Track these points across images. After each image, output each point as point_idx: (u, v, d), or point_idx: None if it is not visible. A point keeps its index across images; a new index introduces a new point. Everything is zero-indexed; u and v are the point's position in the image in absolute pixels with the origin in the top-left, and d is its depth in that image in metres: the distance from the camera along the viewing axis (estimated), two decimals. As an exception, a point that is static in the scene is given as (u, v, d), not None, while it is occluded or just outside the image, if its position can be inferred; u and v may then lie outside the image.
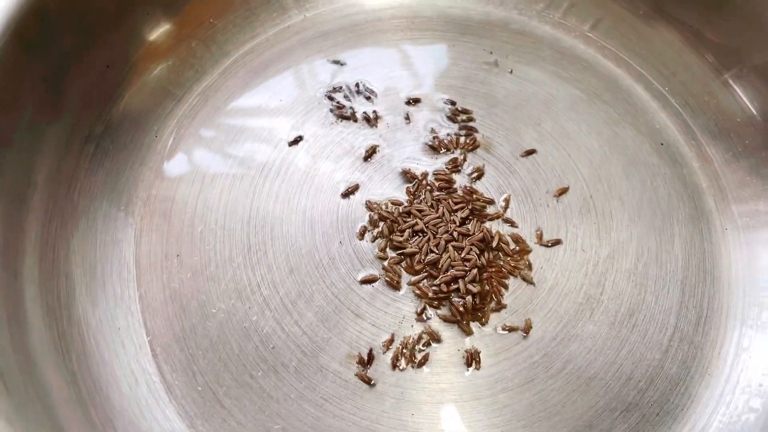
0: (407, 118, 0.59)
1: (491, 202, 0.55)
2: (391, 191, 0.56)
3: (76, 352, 0.47)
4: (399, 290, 0.52)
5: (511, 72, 0.61)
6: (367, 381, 0.49)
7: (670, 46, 0.61)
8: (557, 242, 0.53)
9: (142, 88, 0.57)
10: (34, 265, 0.47)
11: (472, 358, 0.49)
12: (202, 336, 0.50)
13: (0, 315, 0.41)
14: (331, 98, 0.59)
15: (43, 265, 0.48)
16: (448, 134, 0.58)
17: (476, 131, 0.58)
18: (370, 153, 0.56)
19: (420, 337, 0.50)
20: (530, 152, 0.57)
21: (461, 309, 0.51)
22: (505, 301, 0.51)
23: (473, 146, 0.57)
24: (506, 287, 0.52)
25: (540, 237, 0.53)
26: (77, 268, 0.50)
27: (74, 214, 0.51)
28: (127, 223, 0.53)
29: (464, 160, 0.57)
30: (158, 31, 0.58)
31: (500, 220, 0.54)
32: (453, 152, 0.57)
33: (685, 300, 0.52)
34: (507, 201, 0.55)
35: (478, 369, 0.49)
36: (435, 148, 0.57)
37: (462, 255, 0.52)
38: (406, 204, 0.55)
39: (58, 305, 0.48)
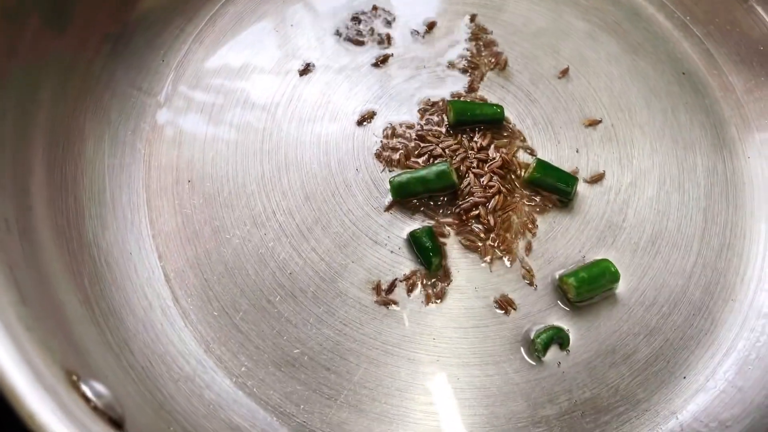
0: (423, 37, 0.57)
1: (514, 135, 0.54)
2: (408, 118, 0.54)
3: (88, 274, 0.45)
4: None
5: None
6: (391, 303, 0.48)
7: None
8: (600, 177, 0.52)
9: (153, 6, 0.54)
10: (42, 184, 0.45)
11: (507, 304, 0.48)
12: (217, 261, 0.48)
13: (12, 229, 0.39)
14: (346, 26, 0.57)
15: (51, 185, 0.46)
16: (467, 51, 0.56)
17: (500, 50, 0.57)
18: (367, 117, 0.54)
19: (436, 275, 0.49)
20: (565, 72, 0.56)
21: (482, 235, 0.50)
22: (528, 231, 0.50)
23: (499, 65, 0.56)
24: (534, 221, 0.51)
25: (575, 173, 0.52)
26: (86, 191, 0.48)
27: (81, 135, 0.49)
28: (135, 148, 0.52)
29: (480, 80, 0.55)
30: None
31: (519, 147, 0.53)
32: (473, 73, 0.56)
33: (707, 227, 0.52)
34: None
35: (509, 314, 0.48)
36: (454, 66, 0.56)
37: (484, 182, 0.51)
38: (418, 128, 0.53)
39: (67, 226, 0.46)
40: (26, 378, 0.30)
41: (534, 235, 0.50)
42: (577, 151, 0.54)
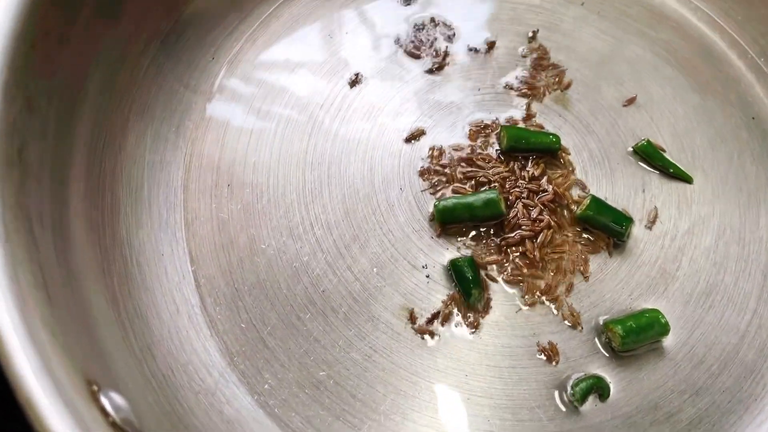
0: (483, 55, 0.55)
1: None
2: (459, 139, 0.52)
3: (118, 273, 0.44)
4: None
5: (595, 26, 0.57)
6: (429, 333, 0.45)
7: (771, 12, 0.56)
8: (655, 219, 0.50)
9: (207, 4, 0.53)
10: (81, 177, 0.44)
11: (552, 353, 0.46)
12: (250, 271, 0.47)
13: (45, 222, 0.38)
14: (407, 35, 0.55)
15: (89, 178, 0.45)
16: (527, 73, 0.54)
17: (563, 71, 0.54)
18: (416, 135, 0.52)
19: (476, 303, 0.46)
20: (631, 101, 0.53)
21: (525, 270, 0.47)
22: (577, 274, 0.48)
23: (563, 85, 0.54)
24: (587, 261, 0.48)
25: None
26: (123, 187, 0.47)
27: (124, 129, 0.48)
28: (177, 146, 0.50)
29: (542, 98, 0.53)
30: None
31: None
32: (531, 98, 0.53)
33: (767, 284, 0.48)
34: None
35: (557, 363, 0.45)
36: (512, 89, 0.53)
37: (533, 215, 0.49)
38: (467, 151, 0.51)
39: (101, 222, 0.45)
40: (46, 389, 0.29)
41: (587, 278, 0.48)
42: (633, 191, 0.51)
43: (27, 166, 0.37)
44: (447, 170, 0.51)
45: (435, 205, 0.48)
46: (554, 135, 0.51)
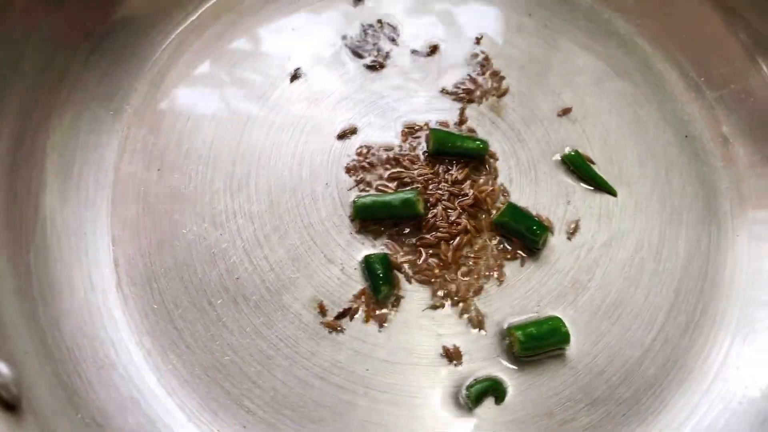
0: (424, 58, 0.56)
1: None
2: (390, 139, 0.53)
3: (36, 246, 0.46)
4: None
5: (540, 36, 0.57)
6: (337, 328, 0.46)
7: (714, 34, 0.56)
8: (574, 231, 0.50)
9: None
10: (7, 150, 0.45)
11: (454, 356, 0.46)
12: (168, 254, 0.48)
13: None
14: (344, 36, 0.56)
15: (17, 152, 0.46)
16: (466, 77, 0.55)
17: (502, 78, 0.55)
18: (349, 132, 0.53)
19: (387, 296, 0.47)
20: (566, 111, 0.54)
21: (436, 270, 0.48)
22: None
23: (499, 92, 0.54)
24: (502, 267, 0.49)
25: (549, 227, 0.50)
26: (53, 164, 0.49)
27: (60, 108, 0.50)
28: (113, 129, 0.52)
29: (480, 101, 0.54)
30: None
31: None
32: (466, 103, 0.54)
33: (677, 301, 0.49)
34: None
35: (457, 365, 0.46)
36: (448, 93, 0.54)
37: (452, 218, 0.49)
38: (396, 151, 0.52)
39: (26, 196, 0.46)
40: None
41: (501, 282, 0.48)
42: (556, 201, 0.51)
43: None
44: (373, 169, 0.51)
45: (354, 201, 0.49)
46: (482, 140, 0.52)
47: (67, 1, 0.49)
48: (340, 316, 0.47)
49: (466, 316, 0.47)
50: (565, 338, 0.46)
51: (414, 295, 0.48)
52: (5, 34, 0.45)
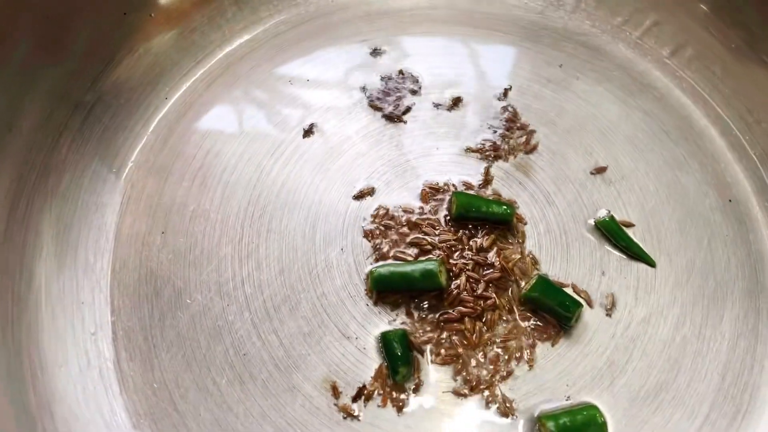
0: (447, 111, 0.52)
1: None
2: (410, 200, 0.49)
3: (28, 321, 0.42)
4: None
5: (571, 89, 0.54)
6: (352, 415, 0.43)
7: (760, 89, 0.52)
8: (611, 306, 0.46)
9: (161, 43, 0.52)
10: (2, 217, 0.42)
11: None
12: (171, 327, 0.45)
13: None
14: (364, 88, 0.53)
15: (12, 216, 0.43)
16: (492, 133, 0.51)
17: (532, 132, 0.51)
18: (366, 193, 0.49)
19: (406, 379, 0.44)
20: (601, 170, 0.50)
21: (460, 350, 0.44)
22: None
23: (528, 147, 0.51)
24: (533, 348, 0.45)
25: (588, 300, 0.46)
26: (50, 228, 0.46)
27: (59, 167, 0.47)
28: (115, 188, 0.49)
29: (506, 158, 0.50)
30: None
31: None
32: (491, 162, 0.50)
33: (724, 387, 0.44)
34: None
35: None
36: (472, 151, 0.51)
37: (478, 291, 0.46)
38: (417, 214, 0.48)
39: (19, 265, 0.43)
40: None
41: (531, 366, 0.44)
42: (589, 271, 0.47)
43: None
44: (392, 234, 0.48)
45: (371, 271, 0.46)
46: (508, 205, 0.48)
47: (68, 56, 0.46)
48: (355, 398, 0.43)
49: (493, 406, 0.43)
50: (601, 430, 0.42)
51: (435, 375, 0.44)
52: (1, 89, 0.42)
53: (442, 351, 0.45)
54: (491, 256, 0.47)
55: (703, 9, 0.54)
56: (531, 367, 0.44)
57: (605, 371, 0.45)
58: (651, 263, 0.48)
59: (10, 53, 0.42)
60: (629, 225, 0.49)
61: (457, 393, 0.43)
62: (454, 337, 0.45)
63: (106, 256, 0.47)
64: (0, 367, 0.39)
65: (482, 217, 0.48)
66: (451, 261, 0.47)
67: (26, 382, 0.41)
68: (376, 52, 0.55)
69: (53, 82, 0.46)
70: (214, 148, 0.51)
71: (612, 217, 0.48)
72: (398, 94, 0.53)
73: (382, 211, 0.49)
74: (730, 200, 0.50)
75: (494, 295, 0.46)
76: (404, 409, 0.43)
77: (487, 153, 0.51)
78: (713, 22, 0.54)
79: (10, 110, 0.43)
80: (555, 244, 0.48)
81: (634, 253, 0.48)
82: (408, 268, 0.45)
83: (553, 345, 0.45)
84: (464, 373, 0.44)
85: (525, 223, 0.49)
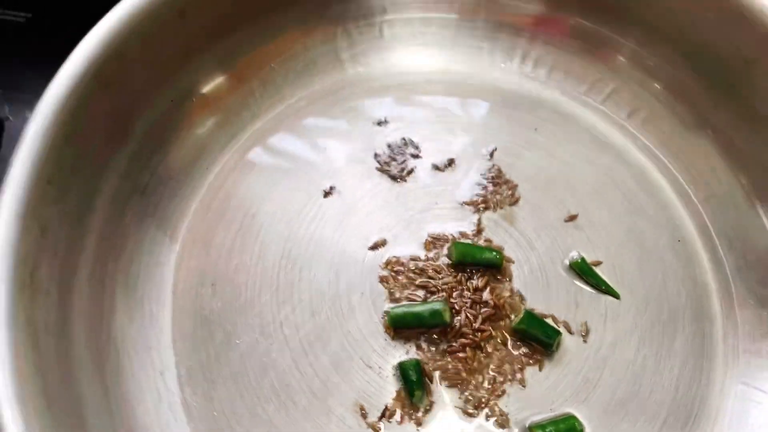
0: (443, 171, 0.62)
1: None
2: (416, 249, 0.59)
3: (111, 366, 0.51)
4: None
5: (545, 149, 0.64)
6: (378, 430, 0.52)
7: (701, 149, 0.63)
8: (586, 333, 0.56)
9: (201, 123, 0.61)
10: (85, 283, 0.51)
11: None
12: (224, 364, 0.54)
13: (50, 330, 0.45)
14: (376, 154, 0.63)
15: (92, 283, 0.52)
16: (482, 188, 0.61)
17: (515, 186, 0.62)
18: (379, 244, 0.59)
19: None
20: (572, 218, 0.61)
21: (463, 374, 0.54)
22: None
23: (513, 199, 0.61)
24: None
25: (567, 328, 0.56)
26: (120, 288, 0.55)
27: (124, 235, 0.56)
28: (171, 249, 0.58)
29: (495, 209, 0.61)
30: (221, 75, 0.63)
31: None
32: (482, 213, 0.60)
33: (678, 396, 0.55)
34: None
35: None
36: (468, 204, 0.61)
37: (476, 325, 0.56)
38: (422, 261, 0.58)
39: (99, 320, 0.52)
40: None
41: (523, 386, 0.54)
42: (566, 304, 0.58)
43: (38, 284, 0.45)
44: (402, 279, 0.58)
45: (388, 313, 0.56)
46: (498, 252, 0.58)
47: (129, 141, 0.56)
48: (381, 417, 0.53)
49: (492, 419, 0.53)
50: (580, 435, 0.52)
51: (444, 396, 0.54)
52: (82, 176, 0.52)
53: (449, 376, 0.55)
54: (486, 294, 0.57)
55: (657, 87, 0.65)
56: (523, 386, 0.54)
57: (582, 387, 0.55)
58: (616, 296, 0.58)
59: (88, 147, 0.51)
60: (597, 263, 0.59)
61: (463, 410, 0.53)
62: (459, 364, 0.55)
63: (167, 306, 0.56)
64: (94, 405, 0.48)
65: (476, 262, 0.58)
66: (451, 300, 0.57)
67: (114, 416, 0.50)
68: (381, 123, 0.65)
69: (118, 165, 0.55)
70: (251, 210, 0.60)
71: (583, 258, 0.59)
72: (402, 158, 0.63)
73: (393, 259, 0.59)
74: (679, 240, 0.61)
75: (490, 328, 0.56)
76: (421, 425, 0.53)
77: (479, 206, 0.61)
78: (665, 96, 0.65)
79: (90, 194, 0.52)
80: (537, 283, 0.58)
81: (602, 287, 0.58)
82: (419, 309, 0.55)
83: (540, 369, 0.55)
84: (467, 394, 0.54)
85: (513, 262, 0.59)
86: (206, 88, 0.62)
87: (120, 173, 0.56)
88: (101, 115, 0.52)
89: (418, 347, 0.56)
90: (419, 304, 0.56)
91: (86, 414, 0.47)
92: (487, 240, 0.60)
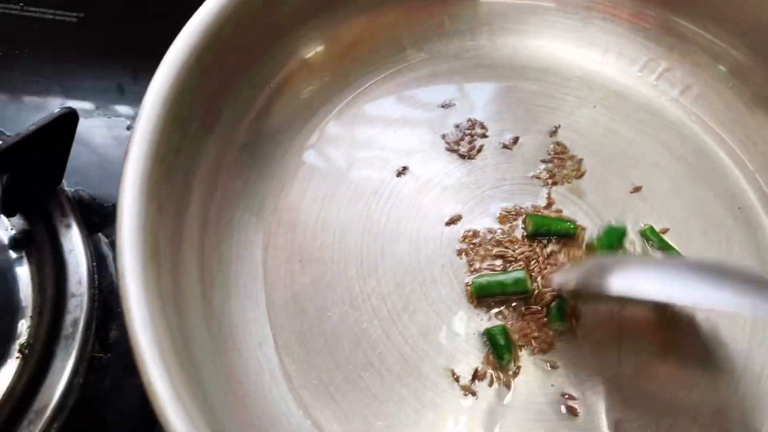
0: (510, 150, 0.65)
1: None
2: (491, 223, 0.62)
3: (216, 338, 0.54)
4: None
5: (605, 126, 0.68)
6: (471, 391, 0.55)
7: (754, 119, 0.67)
8: None
9: (288, 104, 0.64)
10: (193, 260, 0.54)
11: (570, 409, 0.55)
12: (318, 335, 0.57)
13: (168, 310, 0.47)
14: (444, 135, 0.66)
15: (192, 258, 0.55)
16: (549, 162, 0.64)
17: (580, 160, 0.65)
18: (455, 220, 0.62)
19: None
20: (637, 189, 0.64)
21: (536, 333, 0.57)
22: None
23: (579, 173, 0.64)
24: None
25: None
26: (216, 264, 0.57)
27: (217, 215, 0.58)
28: (258, 228, 0.60)
29: (563, 182, 0.64)
30: (313, 51, 0.66)
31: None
32: (551, 187, 0.63)
33: (751, 352, 0.58)
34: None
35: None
36: (536, 178, 0.64)
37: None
38: (498, 233, 0.61)
39: (202, 296, 0.55)
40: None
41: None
42: (637, 270, 0.61)
43: (162, 261, 0.48)
44: (480, 250, 0.60)
45: (472, 282, 0.58)
46: (572, 222, 0.61)
47: (221, 122, 0.59)
48: (473, 379, 0.55)
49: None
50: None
51: (528, 359, 0.57)
52: (184, 156, 0.54)
53: (531, 339, 0.57)
54: (561, 257, 0.60)
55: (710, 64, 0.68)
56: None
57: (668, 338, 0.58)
58: None
59: (187, 129, 0.54)
60: (665, 231, 0.62)
61: (546, 369, 0.56)
62: (540, 328, 0.58)
63: (258, 282, 0.58)
64: (209, 375, 0.51)
65: (552, 232, 0.61)
66: (529, 268, 0.59)
67: (226, 385, 0.52)
68: (446, 105, 0.68)
69: (211, 147, 0.58)
70: (330, 191, 0.63)
71: (651, 227, 0.62)
72: (470, 138, 0.66)
73: (470, 233, 0.61)
74: (739, 207, 0.64)
75: (563, 289, 0.58)
76: (511, 385, 0.55)
77: (547, 180, 0.64)
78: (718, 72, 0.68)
79: (188, 174, 0.55)
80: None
81: (672, 253, 0.61)
82: (501, 277, 0.58)
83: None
84: (549, 354, 0.57)
85: (584, 229, 0.62)
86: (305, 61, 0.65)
87: (211, 155, 0.58)
88: (200, 98, 0.54)
89: (500, 314, 0.58)
90: (501, 273, 0.58)
91: (205, 383, 0.49)
92: (558, 211, 0.63)
